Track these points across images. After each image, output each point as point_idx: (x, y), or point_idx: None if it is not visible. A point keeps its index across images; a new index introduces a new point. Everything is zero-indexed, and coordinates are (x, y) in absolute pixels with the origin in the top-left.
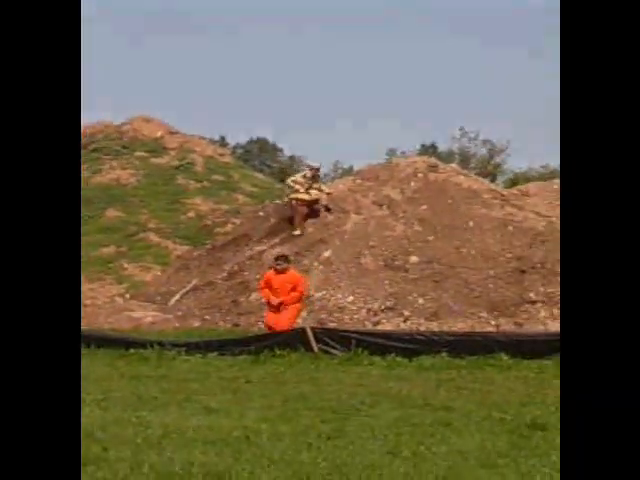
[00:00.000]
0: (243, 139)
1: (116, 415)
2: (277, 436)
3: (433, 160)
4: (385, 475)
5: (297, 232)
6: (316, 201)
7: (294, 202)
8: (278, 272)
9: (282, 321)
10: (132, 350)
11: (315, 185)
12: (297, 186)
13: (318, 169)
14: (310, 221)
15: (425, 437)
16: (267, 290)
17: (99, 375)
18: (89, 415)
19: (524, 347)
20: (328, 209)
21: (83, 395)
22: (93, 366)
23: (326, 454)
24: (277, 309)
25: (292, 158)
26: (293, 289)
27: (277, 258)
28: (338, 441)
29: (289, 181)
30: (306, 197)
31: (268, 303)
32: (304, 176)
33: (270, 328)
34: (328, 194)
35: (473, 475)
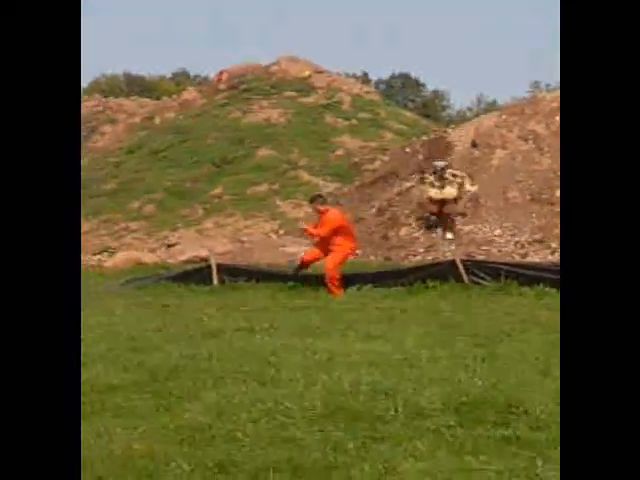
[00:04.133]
0: (385, 74)
1: (284, 342)
2: (435, 359)
3: None
4: (537, 391)
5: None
6: (450, 200)
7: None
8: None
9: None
10: (290, 283)
11: (448, 184)
12: (428, 185)
13: (443, 168)
14: (456, 156)
15: None
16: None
17: (263, 306)
18: (260, 341)
19: None
20: (464, 215)
21: (252, 324)
22: (256, 298)
23: (481, 374)
24: (323, 246)
25: (435, 92)
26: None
27: (311, 200)
28: (492, 363)
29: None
30: (435, 196)
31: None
32: (434, 172)
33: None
34: (456, 199)
35: None
